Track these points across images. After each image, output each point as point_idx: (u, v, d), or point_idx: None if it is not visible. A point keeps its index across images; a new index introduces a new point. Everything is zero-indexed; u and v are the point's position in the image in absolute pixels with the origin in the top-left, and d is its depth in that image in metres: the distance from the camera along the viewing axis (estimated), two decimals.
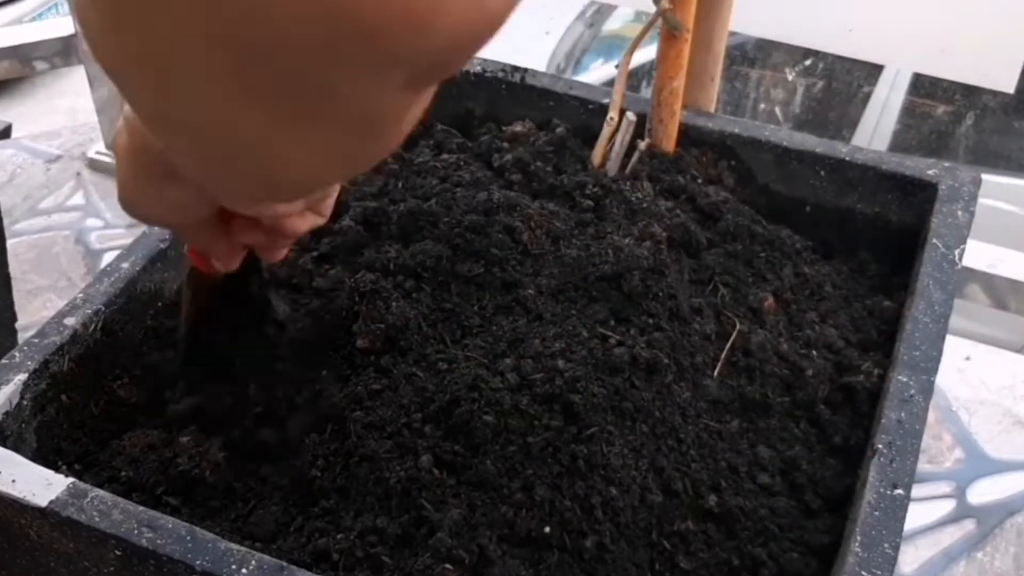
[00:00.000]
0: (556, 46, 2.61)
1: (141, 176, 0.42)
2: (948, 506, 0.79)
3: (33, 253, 1.03)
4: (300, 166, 0.28)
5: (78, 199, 1.11)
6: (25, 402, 0.55)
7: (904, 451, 0.52)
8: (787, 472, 0.57)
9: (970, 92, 2.38)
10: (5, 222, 0.80)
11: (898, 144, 2.40)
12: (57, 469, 0.52)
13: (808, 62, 2.58)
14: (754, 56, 2.61)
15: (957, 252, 0.64)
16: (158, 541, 0.47)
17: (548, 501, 0.51)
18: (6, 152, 1.17)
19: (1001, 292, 0.86)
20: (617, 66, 0.72)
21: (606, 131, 0.69)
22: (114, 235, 1.06)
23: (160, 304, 0.63)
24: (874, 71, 2.49)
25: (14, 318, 0.83)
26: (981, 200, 0.68)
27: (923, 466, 0.81)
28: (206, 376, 0.58)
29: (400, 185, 0.70)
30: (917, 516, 0.77)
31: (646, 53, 0.83)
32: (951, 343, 0.60)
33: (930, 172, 0.70)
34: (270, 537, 0.52)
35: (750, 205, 0.71)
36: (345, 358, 0.59)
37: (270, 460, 0.55)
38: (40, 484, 0.49)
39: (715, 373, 0.60)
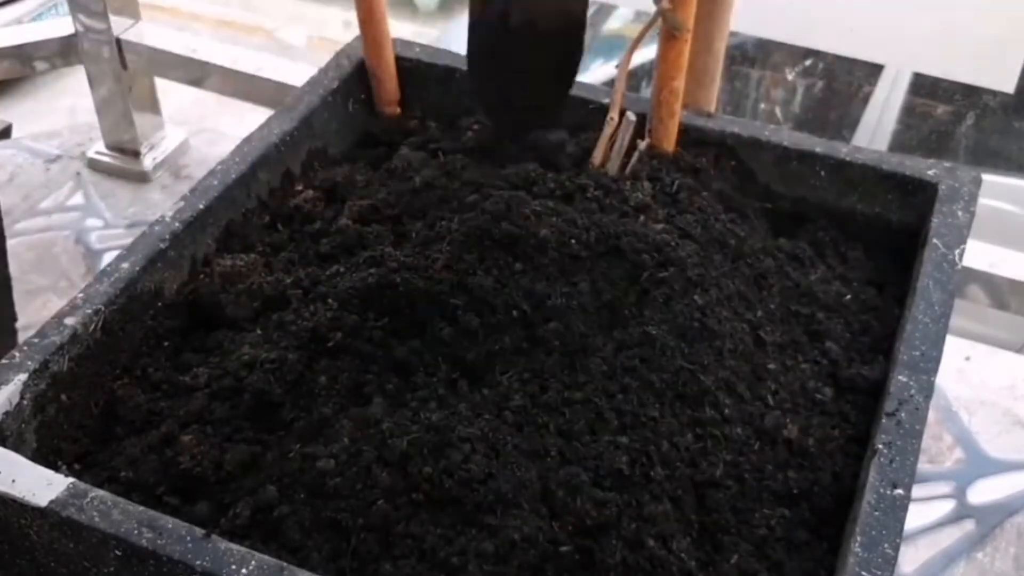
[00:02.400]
0: None
1: None
2: (948, 506, 0.79)
3: (33, 253, 1.03)
4: None
5: (78, 199, 1.11)
6: (25, 402, 0.55)
7: (904, 451, 0.52)
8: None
9: (970, 92, 2.38)
10: (5, 222, 0.80)
11: (898, 144, 2.40)
12: (57, 469, 0.52)
13: (808, 62, 2.58)
14: (754, 56, 2.61)
15: (957, 252, 0.64)
16: (158, 541, 0.47)
17: None
18: (6, 152, 1.17)
19: (1001, 292, 0.86)
20: (617, 66, 0.72)
21: (606, 131, 0.69)
22: (114, 235, 1.06)
23: (160, 304, 0.63)
24: (874, 71, 2.49)
25: (14, 318, 0.83)
26: (981, 200, 0.68)
27: (923, 466, 0.81)
28: None
29: (392, 189, 0.70)
30: (917, 516, 0.77)
31: (646, 53, 0.83)
32: (951, 343, 0.60)
33: (930, 172, 0.70)
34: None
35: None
36: None
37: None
38: (40, 484, 0.49)
39: None
